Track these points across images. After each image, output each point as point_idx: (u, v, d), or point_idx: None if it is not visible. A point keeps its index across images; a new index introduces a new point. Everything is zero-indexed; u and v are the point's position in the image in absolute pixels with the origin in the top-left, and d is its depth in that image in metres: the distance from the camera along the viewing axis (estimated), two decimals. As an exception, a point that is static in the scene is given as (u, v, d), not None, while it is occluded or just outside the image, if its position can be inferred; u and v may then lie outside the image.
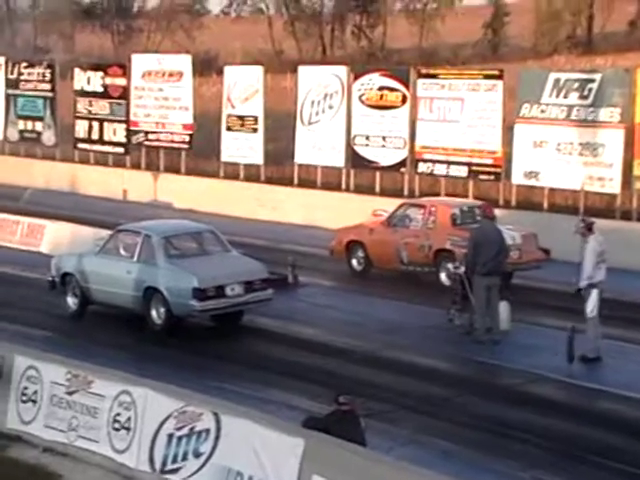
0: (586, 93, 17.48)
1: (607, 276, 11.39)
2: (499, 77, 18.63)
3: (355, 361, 11.65)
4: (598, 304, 11.22)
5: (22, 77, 25.90)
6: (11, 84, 26.10)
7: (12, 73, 26.11)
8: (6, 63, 26.50)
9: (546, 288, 14.56)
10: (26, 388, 9.50)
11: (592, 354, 11.34)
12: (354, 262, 15.92)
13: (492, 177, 18.82)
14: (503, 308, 12.38)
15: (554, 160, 17.92)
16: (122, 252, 13.16)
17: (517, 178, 18.55)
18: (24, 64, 26.39)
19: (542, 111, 18.02)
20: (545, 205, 18.22)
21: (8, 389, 9.59)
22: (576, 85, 17.62)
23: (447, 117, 19.08)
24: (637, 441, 9.39)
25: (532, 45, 46.85)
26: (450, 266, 14.02)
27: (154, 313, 12.64)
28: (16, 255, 17.61)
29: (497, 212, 14.51)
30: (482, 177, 18.91)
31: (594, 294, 11.21)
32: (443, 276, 14.53)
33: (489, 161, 18.73)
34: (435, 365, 11.69)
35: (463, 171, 19.06)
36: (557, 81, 17.93)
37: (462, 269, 12.72)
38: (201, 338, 12.81)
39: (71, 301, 13.63)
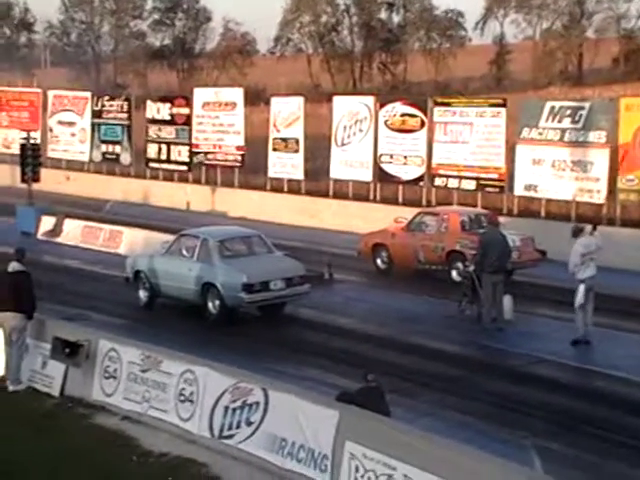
0: (577, 119, 17.29)
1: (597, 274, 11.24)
2: (503, 105, 18.48)
3: (381, 345, 11.58)
4: (584, 296, 11.05)
5: (104, 108, 26.15)
6: (96, 114, 26.36)
7: (97, 105, 26.40)
8: (92, 97, 26.80)
9: (542, 284, 14.37)
10: (108, 366, 9.57)
11: (582, 338, 11.21)
12: (379, 262, 15.85)
13: (497, 190, 18.64)
14: (507, 301, 12.25)
15: (550, 175, 17.73)
16: (184, 253, 13.18)
17: (518, 190, 18.36)
18: (106, 98, 26.66)
19: (540, 134, 17.85)
20: (542, 213, 18.01)
21: (93, 367, 9.67)
22: (569, 112, 17.43)
23: (459, 139, 18.94)
24: (622, 413, 9.22)
25: (531, 78, 46.37)
26: (461, 265, 13.93)
27: (210, 304, 12.66)
28: (99, 256, 17.77)
29: (501, 219, 14.37)
30: (488, 190, 18.73)
31: (581, 288, 11.08)
32: (454, 273, 14.41)
33: (494, 176, 18.56)
34: (449, 349, 11.58)
35: (472, 184, 18.90)
36: (552, 108, 17.75)
37: (472, 267, 12.61)
38: (250, 326, 12.82)
39: (142, 294, 13.68)
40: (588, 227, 11.68)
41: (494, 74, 50.45)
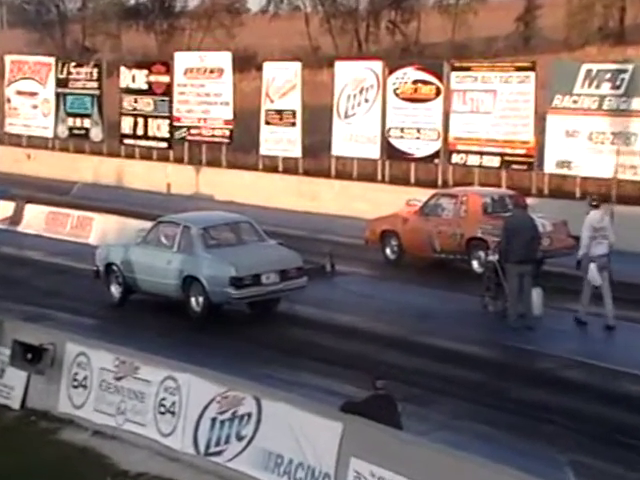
0: (618, 83, 17.23)
1: (632, 261, 11.46)
2: (531, 69, 18.41)
3: (391, 347, 11.60)
4: (597, 276, 11.60)
5: (71, 76, 26.09)
6: (61, 83, 26.31)
7: (62, 73, 26.34)
8: (56, 63, 26.73)
9: (577, 275, 14.29)
10: (77, 374, 9.59)
11: (584, 318, 11.82)
12: (388, 251, 15.85)
13: (524, 167, 18.62)
14: (536, 294, 12.26)
15: (586, 149, 17.69)
16: (163, 242, 13.20)
17: (549, 167, 18.33)
18: (73, 64, 26.62)
19: (574, 101, 17.79)
20: (577, 193, 17.97)
21: (60, 375, 9.68)
22: (608, 76, 17.37)
23: (480, 109, 18.89)
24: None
25: (564, 37, 46.11)
26: (483, 254, 13.92)
27: (193, 301, 12.68)
28: (66, 246, 17.77)
29: (530, 201, 14.37)
30: (515, 167, 18.71)
31: (592, 267, 11.57)
32: (475, 264, 14.43)
33: (521, 151, 18.52)
34: (469, 350, 11.59)
35: (496, 161, 18.88)
36: (589, 72, 17.68)
37: (495, 257, 12.61)
38: (240, 325, 12.82)
39: (115, 290, 13.70)
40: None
41: (521, 33, 50.18)
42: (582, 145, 17.73)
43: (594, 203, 12.08)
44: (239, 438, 8.12)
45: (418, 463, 6.85)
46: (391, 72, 20.33)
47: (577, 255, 12.04)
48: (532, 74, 18.28)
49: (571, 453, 8.46)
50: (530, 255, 12.27)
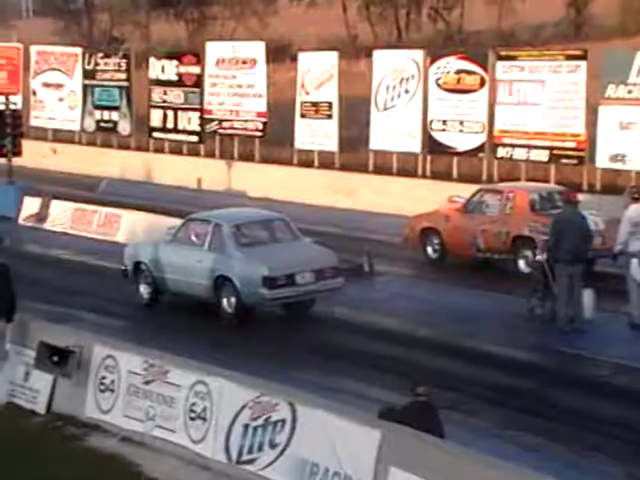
0: (676, 71, 17.02)
1: None
2: (583, 57, 18.24)
3: (432, 351, 11.56)
4: None
5: (99, 68, 26.32)
6: (88, 75, 26.55)
7: (89, 64, 26.57)
8: (83, 54, 26.99)
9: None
10: (104, 377, 9.66)
11: (638, 321, 11.71)
12: (429, 250, 15.81)
13: (575, 161, 18.45)
14: (587, 296, 12.15)
15: (641, 142, 17.50)
16: (193, 241, 13.27)
17: (602, 162, 18.13)
18: (100, 55, 26.86)
19: (629, 91, 17.58)
20: (632, 189, 17.77)
21: (87, 378, 9.76)
22: (665, 64, 17.17)
23: (527, 100, 18.75)
24: None
25: (618, 23, 45.61)
26: (530, 254, 13.82)
27: (225, 302, 12.73)
28: (92, 245, 17.96)
29: (581, 197, 14.22)
30: (564, 161, 18.54)
31: (634, 263, 11.53)
32: (521, 263, 14.35)
33: (572, 144, 18.35)
34: (515, 355, 11.51)
35: (544, 155, 18.72)
36: (645, 60, 17.47)
37: (544, 256, 12.50)
38: (273, 327, 12.85)
39: (144, 290, 13.79)
40: None
41: (572, 19, 49.68)
42: (638, 137, 17.52)
43: (635, 196, 12.02)
44: (272, 446, 8.13)
45: (461, 474, 6.81)
46: (433, 62, 20.25)
47: (614, 249, 12.02)
48: (583, 63, 18.10)
49: (625, 466, 8.37)
50: (581, 255, 12.17)
